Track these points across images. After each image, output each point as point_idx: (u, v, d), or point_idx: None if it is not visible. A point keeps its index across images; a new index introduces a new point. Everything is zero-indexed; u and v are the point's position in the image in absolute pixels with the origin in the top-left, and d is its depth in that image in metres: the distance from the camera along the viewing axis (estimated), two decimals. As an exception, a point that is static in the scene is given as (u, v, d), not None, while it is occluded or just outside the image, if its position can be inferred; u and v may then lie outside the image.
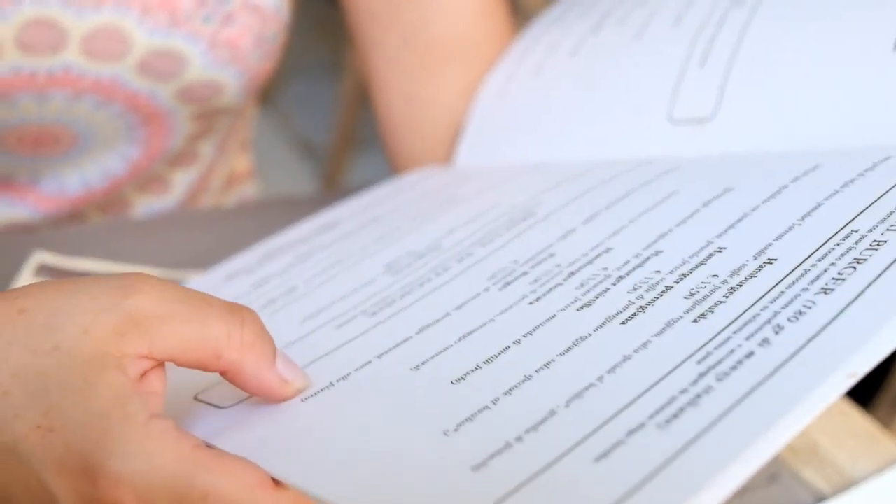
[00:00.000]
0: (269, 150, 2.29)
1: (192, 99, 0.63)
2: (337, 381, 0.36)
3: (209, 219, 0.66)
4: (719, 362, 0.30)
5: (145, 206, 0.72)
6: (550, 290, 0.39)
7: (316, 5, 2.31)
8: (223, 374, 0.34)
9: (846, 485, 0.51)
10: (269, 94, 2.45)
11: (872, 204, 0.36)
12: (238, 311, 0.34)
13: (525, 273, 0.41)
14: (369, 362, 0.37)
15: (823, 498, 0.50)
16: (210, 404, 0.37)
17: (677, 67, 0.50)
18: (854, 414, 0.56)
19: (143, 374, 0.32)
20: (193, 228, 0.64)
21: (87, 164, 0.66)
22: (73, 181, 0.67)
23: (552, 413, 0.31)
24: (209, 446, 0.32)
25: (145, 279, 0.33)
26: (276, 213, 0.61)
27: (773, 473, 0.51)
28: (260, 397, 0.36)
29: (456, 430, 0.31)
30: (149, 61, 0.60)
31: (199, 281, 0.52)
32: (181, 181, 0.72)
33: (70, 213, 0.69)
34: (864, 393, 1.41)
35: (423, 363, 0.36)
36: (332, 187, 0.59)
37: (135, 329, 0.32)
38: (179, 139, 0.67)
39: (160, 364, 0.33)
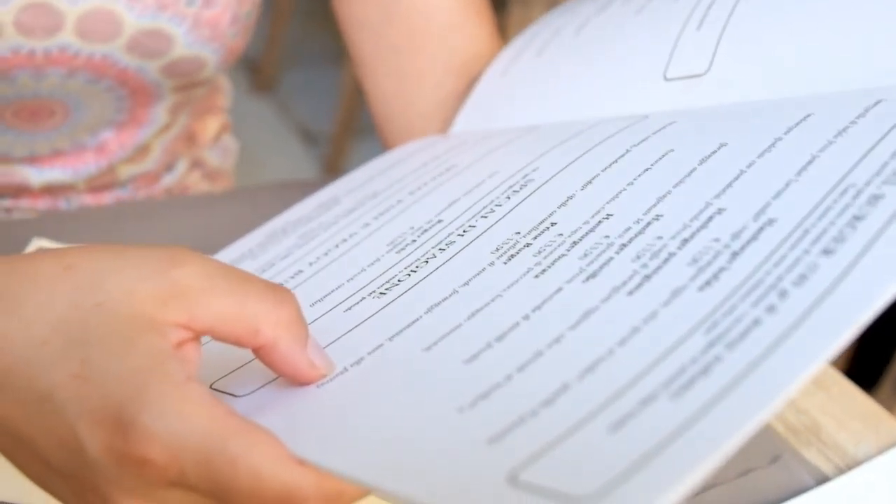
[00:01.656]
0: (271, 138, 2.30)
1: (175, 73, 0.67)
2: (351, 365, 0.37)
3: (207, 203, 0.68)
4: (727, 331, 0.31)
5: (127, 173, 0.76)
6: (554, 261, 0.39)
7: (316, -8, 2.32)
8: (256, 350, 0.35)
9: (848, 466, 0.52)
10: (269, 81, 2.46)
11: (867, 154, 0.37)
12: (277, 290, 0.35)
13: (528, 245, 0.42)
14: (381, 345, 0.38)
15: (826, 479, 0.51)
16: (226, 392, 0.38)
17: (675, 32, 0.51)
18: (857, 395, 0.56)
19: (181, 344, 0.33)
20: (191, 213, 0.65)
21: (80, 133, 0.70)
22: (65, 145, 0.71)
23: (565, 387, 0.32)
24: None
25: (190, 253, 0.34)
26: (275, 197, 0.62)
27: (776, 454, 0.52)
28: (286, 378, 0.37)
29: (471, 406, 0.32)
30: (138, 40, 0.64)
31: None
32: (158, 146, 0.76)
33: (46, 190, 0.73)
34: (868, 376, 1.42)
35: (434, 343, 0.37)
36: (334, 175, 0.60)
37: (178, 298, 0.33)
38: (162, 110, 0.71)
39: (197, 338, 0.34)
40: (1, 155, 0.69)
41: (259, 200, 0.66)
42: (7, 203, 0.72)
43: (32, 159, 0.70)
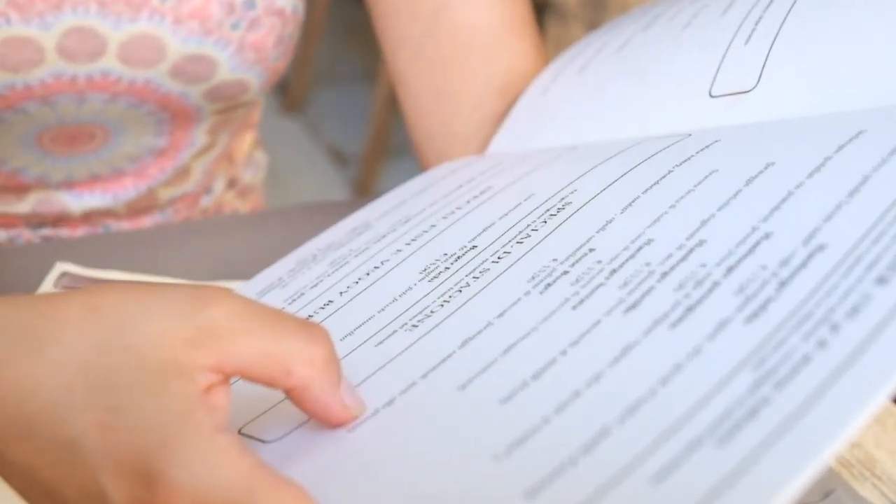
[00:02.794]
0: (300, 159, 2.31)
1: (218, 98, 0.68)
2: (383, 406, 0.37)
3: (235, 226, 0.68)
4: (776, 368, 0.30)
5: (167, 195, 0.76)
6: (593, 290, 0.39)
7: (347, 11, 2.33)
8: (289, 391, 0.35)
9: (904, 501, 0.51)
10: (299, 101, 2.47)
11: None
12: (311, 329, 0.35)
13: (566, 272, 0.41)
14: (414, 384, 0.38)
15: (881, 515, 0.50)
16: (255, 438, 0.38)
17: (722, 47, 0.51)
18: (913, 428, 0.55)
19: (210, 388, 0.33)
20: (219, 237, 0.65)
21: (117, 158, 0.71)
22: (104, 171, 0.71)
23: (605, 432, 0.31)
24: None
25: (223, 293, 0.34)
26: (306, 219, 0.62)
27: (828, 490, 0.51)
28: (317, 419, 0.36)
29: (507, 453, 0.32)
30: (181, 66, 0.65)
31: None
32: (198, 167, 0.76)
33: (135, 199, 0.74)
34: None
35: (468, 382, 0.36)
36: (364, 197, 0.60)
37: (208, 341, 0.33)
38: (201, 133, 0.72)
39: (226, 380, 0.34)
40: (37, 180, 0.70)
41: (291, 222, 0.66)
42: (46, 231, 0.73)
43: (70, 184, 0.71)
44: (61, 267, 0.58)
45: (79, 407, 0.32)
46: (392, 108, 2.06)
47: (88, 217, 0.73)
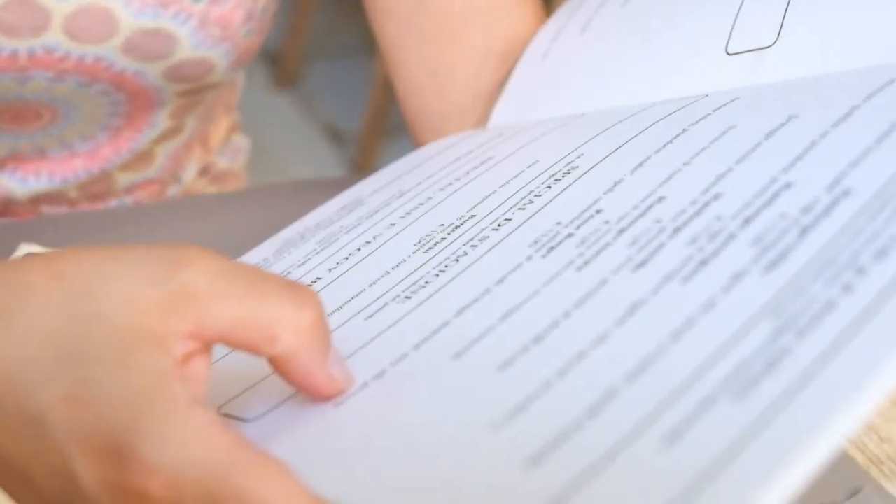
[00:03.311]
0: (293, 138, 2.30)
1: (179, 78, 0.65)
2: (371, 379, 0.36)
3: (215, 206, 0.66)
4: (797, 316, 0.29)
5: (126, 180, 0.74)
6: (599, 251, 0.38)
7: (344, -23, 2.32)
8: (273, 360, 0.34)
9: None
10: (292, 75, 2.47)
11: None
12: (298, 290, 0.34)
13: (570, 235, 0.40)
14: (405, 355, 0.37)
15: (910, 514, 0.49)
16: (235, 417, 0.37)
17: (736, 2, 0.49)
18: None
19: (188, 357, 0.32)
20: (197, 217, 0.64)
21: (70, 135, 0.69)
22: (56, 152, 0.69)
23: (612, 393, 0.30)
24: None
25: (197, 251, 0.33)
26: (294, 197, 0.61)
27: (856, 487, 0.51)
28: (302, 391, 0.35)
29: (505, 422, 0.31)
30: (135, 42, 0.62)
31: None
32: (162, 152, 0.74)
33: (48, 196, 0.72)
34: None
35: (464, 350, 0.35)
36: (361, 175, 0.60)
37: (183, 305, 0.32)
38: (164, 115, 0.70)
39: (206, 348, 0.33)
40: None
41: (276, 201, 0.65)
42: None
43: (16, 161, 0.69)
44: (25, 248, 0.57)
45: (46, 381, 0.31)
46: (391, 83, 2.04)
47: (36, 202, 0.71)
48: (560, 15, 0.61)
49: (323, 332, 0.34)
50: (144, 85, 0.65)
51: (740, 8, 0.49)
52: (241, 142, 0.86)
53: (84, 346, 0.31)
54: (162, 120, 0.70)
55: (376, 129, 2.16)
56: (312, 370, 0.34)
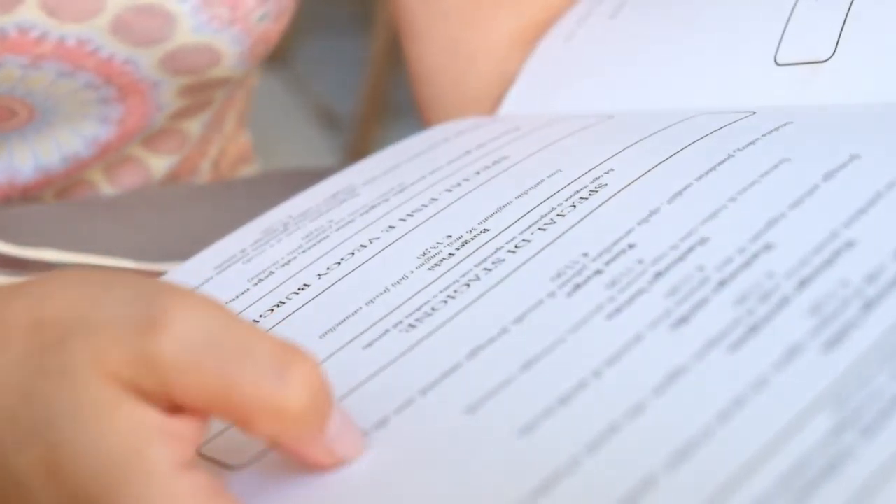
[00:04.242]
0: (283, 121, 2.28)
1: (180, 69, 0.61)
2: (373, 428, 0.35)
3: (193, 197, 0.65)
4: (860, 410, 0.29)
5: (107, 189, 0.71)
6: (633, 297, 0.37)
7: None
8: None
9: None
10: (284, 53, 2.45)
11: None
12: (288, 366, 0.31)
13: (598, 272, 0.39)
14: (412, 401, 0.36)
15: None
16: (218, 462, 0.36)
17: (789, 3, 0.49)
18: None
19: (175, 410, 0.32)
20: (174, 209, 0.62)
21: (44, 142, 0.64)
22: (26, 164, 0.65)
23: (650, 482, 0.29)
24: None
25: (182, 313, 0.31)
26: (281, 189, 0.59)
27: None
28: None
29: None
30: (126, 20, 0.57)
31: (179, 272, 0.50)
32: (160, 165, 0.70)
33: (19, 199, 0.68)
34: None
35: (479, 403, 0.35)
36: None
37: (151, 371, 0.31)
38: (162, 117, 0.65)
39: None
40: None
41: (262, 192, 0.63)
42: None
43: None
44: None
45: (24, 441, 0.31)
46: (391, 61, 2.03)
47: None
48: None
49: (315, 416, 0.32)
50: (137, 77, 0.60)
51: (792, 12, 0.48)
52: (252, 169, 0.82)
53: (57, 405, 0.31)
54: (159, 123, 0.66)
55: (374, 111, 2.14)
56: (303, 451, 0.33)
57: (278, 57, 2.44)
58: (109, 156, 0.66)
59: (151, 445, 0.30)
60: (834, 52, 0.46)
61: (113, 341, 0.31)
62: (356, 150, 2.17)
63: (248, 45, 0.61)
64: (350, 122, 2.26)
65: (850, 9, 0.46)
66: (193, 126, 0.69)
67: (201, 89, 0.64)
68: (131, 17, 0.57)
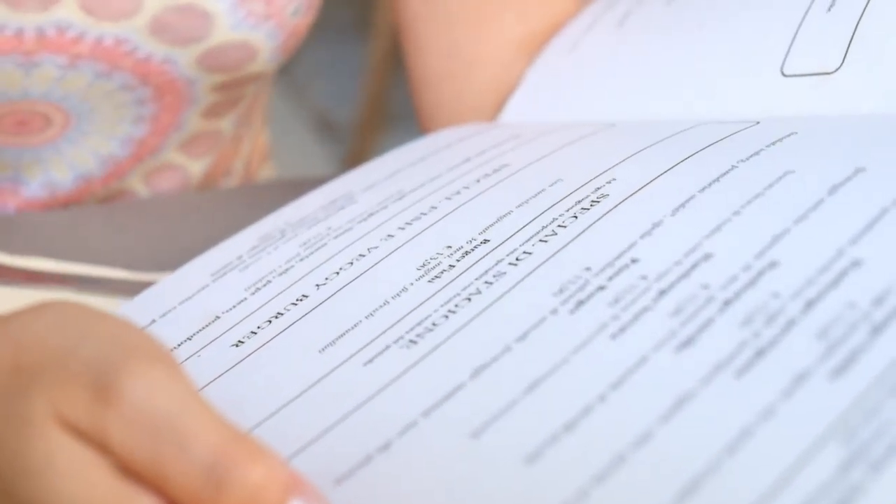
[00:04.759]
0: (282, 127, 2.28)
1: (217, 67, 0.61)
2: (376, 452, 0.35)
3: (186, 207, 0.65)
4: (869, 443, 0.28)
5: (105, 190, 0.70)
6: (637, 315, 0.37)
7: (341, -46, 2.31)
8: None
9: None
10: (282, 59, 2.46)
11: None
12: (224, 470, 0.30)
13: (601, 287, 0.39)
14: (414, 423, 0.35)
15: None
16: None
17: (797, 13, 0.48)
18: None
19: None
20: (167, 219, 0.62)
21: (79, 152, 0.64)
22: (66, 177, 0.65)
23: None
24: None
25: (137, 384, 0.31)
26: (277, 198, 0.59)
27: None
28: None
29: None
30: (164, 20, 0.58)
31: (176, 278, 0.50)
32: (196, 169, 0.70)
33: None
34: None
35: (483, 428, 0.34)
36: None
37: (98, 439, 0.31)
38: (195, 115, 0.65)
39: None
40: None
41: (258, 202, 0.62)
42: None
43: (15, 185, 0.64)
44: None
45: None
46: (390, 68, 2.02)
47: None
48: (595, 5, 0.60)
49: None
50: (174, 76, 0.60)
51: (801, 23, 0.48)
52: (268, 174, 0.82)
53: (16, 454, 0.31)
54: (191, 120, 0.66)
55: (373, 118, 2.14)
56: None
57: (276, 64, 2.45)
58: (145, 156, 0.66)
59: (110, 494, 0.30)
60: (842, 63, 0.46)
61: (69, 400, 0.31)
62: (355, 158, 2.16)
63: (281, 40, 0.62)
64: (348, 130, 2.26)
65: (860, 20, 0.46)
66: (225, 125, 0.69)
67: (235, 85, 0.64)
68: (169, 17, 0.58)
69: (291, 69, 2.45)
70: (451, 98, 0.62)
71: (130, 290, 0.52)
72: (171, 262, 0.54)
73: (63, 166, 0.64)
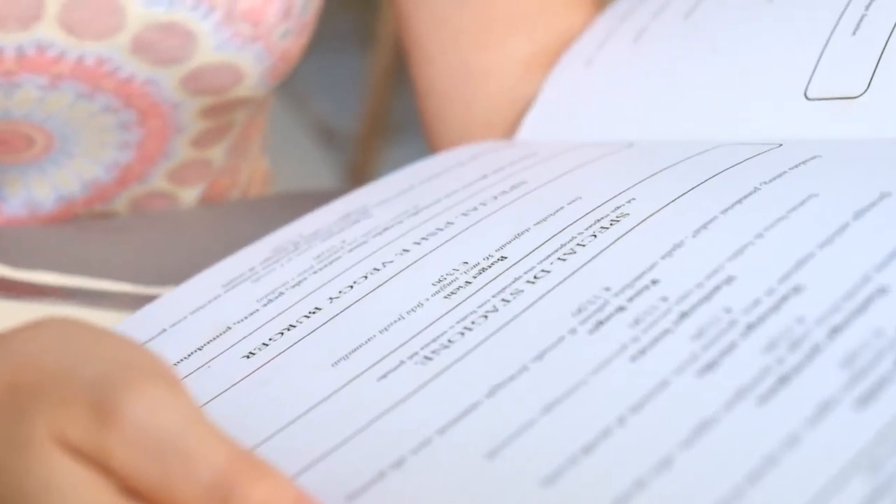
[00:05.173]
0: (283, 139, 2.28)
1: (202, 89, 0.60)
2: (390, 468, 0.34)
3: (192, 220, 0.65)
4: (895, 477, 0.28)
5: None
6: (657, 338, 0.36)
7: (343, -35, 2.31)
8: None
9: None
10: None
11: None
12: (229, 487, 0.30)
13: (621, 308, 0.38)
14: (429, 440, 0.35)
15: None
16: None
17: (821, 35, 0.48)
18: None
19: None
20: (172, 232, 0.62)
21: (63, 175, 0.63)
22: (48, 198, 0.64)
23: None
24: None
25: (139, 404, 0.31)
26: (283, 211, 0.59)
27: None
28: None
29: None
30: (146, 39, 0.57)
31: (187, 288, 0.50)
32: (188, 197, 0.69)
33: None
34: None
35: (499, 448, 0.34)
36: (359, 183, 0.58)
37: (103, 461, 0.31)
38: (184, 143, 0.64)
39: None
40: None
41: (263, 215, 0.62)
42: None
43: None
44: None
45: None
46: (392, 79, 2.02)
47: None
48: (608, 17, 0.59)
49: None
50: (158, 98, 0.59)
51: (825, 46, 0.48)
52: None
53: (15, 476, 0.31)
54: (180, 149, 0.65)
55: (375, 129, 2.13)
56: None
57: (276, 74, 2.45)
58: (131, 182, 0.65)
59: None
60: (867, 88, 0.45)
61: (69, 421, 0.31)
62: (356, 169, 2.16)
63: (269, 64, 0.61)
64: (350, 141, 2.26)
65: (886, 45, 0.45)
66: (216, 154, 0.68)
67: (222, 110, 0.63)
68: (152, 36, 0.57)
69: (294, 80, 2.45)
70: (459, 112, 0.62)
71: (135, 303, 0.51)
72: (176, 275, 0.54)
73: (45, 187, 0.63)
